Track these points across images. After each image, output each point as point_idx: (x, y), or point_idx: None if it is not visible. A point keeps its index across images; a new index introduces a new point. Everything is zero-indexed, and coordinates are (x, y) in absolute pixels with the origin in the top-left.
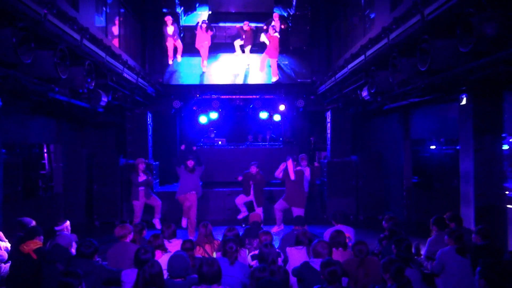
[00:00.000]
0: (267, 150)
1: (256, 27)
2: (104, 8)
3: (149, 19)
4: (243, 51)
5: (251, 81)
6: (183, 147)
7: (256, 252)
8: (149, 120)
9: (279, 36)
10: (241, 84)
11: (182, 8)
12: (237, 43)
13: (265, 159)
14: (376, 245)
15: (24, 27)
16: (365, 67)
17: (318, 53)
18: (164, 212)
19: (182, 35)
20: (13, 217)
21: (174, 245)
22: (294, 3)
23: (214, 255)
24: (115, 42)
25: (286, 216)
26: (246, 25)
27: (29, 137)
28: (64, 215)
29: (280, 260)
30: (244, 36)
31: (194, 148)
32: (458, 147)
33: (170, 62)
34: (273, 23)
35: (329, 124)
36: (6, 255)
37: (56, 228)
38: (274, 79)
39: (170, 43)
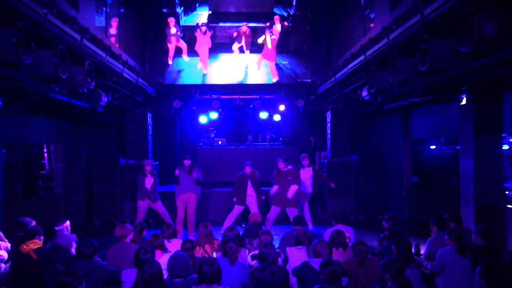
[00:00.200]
0: (267, 150)
1: (253, 27)
2: (104, 8)
3: (149, 19)
4: (243, 52)
5: (251, 81)
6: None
7: (256, 252)
8: (149, 120)
9: (275, 38)
10: (241, 84)
11: (182, 8)
12: (235, 46)
13: (265, 159)
14: (376, 245)
15: (24, 27)
16: (365, 67)
17: (318, 53)
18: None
19: (182, 35)
20: (13, 217)
21: (174, 245)
22: (294, 3)
23: (214, 255)
24: (115, 42)
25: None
26: (244, 26)
27: (29, 137)
28: (64, 215)
29: (280, 260)
30: (243, 38)
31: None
32: (458, 147)
33: (170, 62)
34: (276, 25)
35: (329, 124)
36: (6, 255)
37: (56, 228)
38: (275, 79)
39: (172, 44)
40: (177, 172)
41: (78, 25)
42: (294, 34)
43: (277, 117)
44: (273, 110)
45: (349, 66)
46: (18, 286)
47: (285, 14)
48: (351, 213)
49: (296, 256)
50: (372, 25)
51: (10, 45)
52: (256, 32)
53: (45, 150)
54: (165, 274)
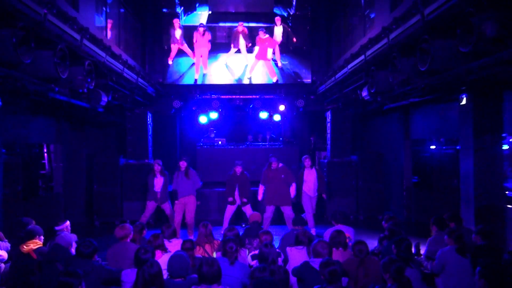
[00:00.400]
0: (267, 150)
1: (249, 27)
2: (104, 8)
3: (149, 19)
4: (240, 51)
5: (248, 81)
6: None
7: (256, 252)
8: (149, 120)
9: (269, 37)
10: (241, 84)
11: (182, 8)
12: (232, 51)
13: (265, 159)
14: (376, 245)
15: (24, 27)
16: (365, 67)
17: (318, 53)
18: (161, 214)
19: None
20: (13, 217)
21: (174, 245)
22: (294, 3)
23: (214, 255)
24: (115, 42)
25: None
26: (240, 26)
27: (29, 137)
28: (64, 215)
29: (280, 260)
30: (240, 37)
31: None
32: (458, 147)
33: (170, 62)
34: (278, 26)
35: (329, 124)
36: (6, 255)
37: (56, 228)
38: (274, 79)
39: (175, 46)
40: (174, 177)
41: (78, 25)
42: (294, 34)
43: (277, 117)
44: (273, 110)
45: (349, 66)
46: (18, 286)
47: (285, 14)
48: (351, 213)
49: (296, 256)
50: (372, 25)
51: (10, 45)
52: (251, 32)
53: (45, 150)
54: (165, 274)
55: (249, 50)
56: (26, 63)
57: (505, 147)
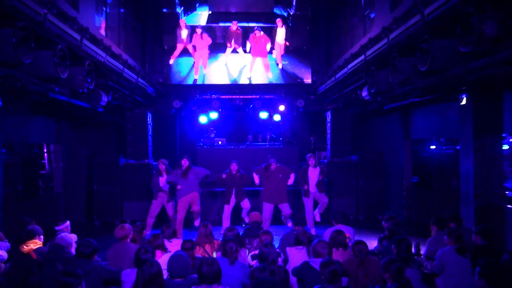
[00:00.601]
0: (267, 150)
1: (244, 27)
2: (104, 8)
3: (149, 19)
4: (236, 52)
5: (246, 81)
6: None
7: (256, 252)
8: (149, 120)
9: (264, 35)
10: (241, 84)
11: (182, 8)
12: (228, 50)
13: (265, 159)
14: (376, 245)
15: (24, 27)
16: (365, 67)
17: (318, 53)
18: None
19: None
20: (13, 217)
21: (174, 245)
22: (294, 3)
23: (214, 255)
24: (115, 41)
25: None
26: (234, 25)
27: (29, 137)
28: (64, 215)
29: (280, 260)
30: (233, 37)
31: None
32: (458, 147)
33: (171, 61)
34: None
35: (329, 124)
36: (6, 255)
37: (56, 228)
38: (270, 75)
39: (180, 45)
40: (173, 176)
41: (78, 25)
42: (294, 34)
43: (277, 117)
44: (273, 110)
45: (349, 66)
46: (18, 286)
47: (285, 14)
48: (351, 213)
49: (296, 256)
50: (372, 25)
51: (10, 45)
52: (245, 32)
53: (45, 150)
54: (165, 274)
55: (246, 50)
56: (26, 63)
57: (505, 147)
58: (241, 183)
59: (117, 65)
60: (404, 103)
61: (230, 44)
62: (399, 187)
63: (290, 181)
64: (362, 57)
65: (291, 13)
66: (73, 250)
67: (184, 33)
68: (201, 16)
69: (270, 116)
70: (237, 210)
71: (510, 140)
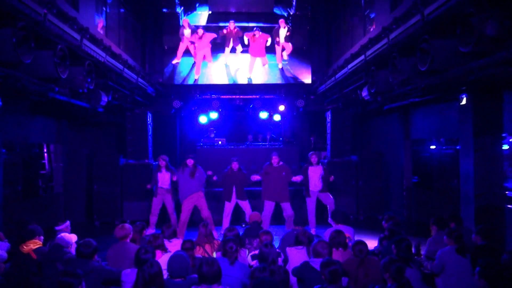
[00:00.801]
0: (267, 150)
1: (240, 27)
2: (104, 8)
3: (149, 19)
4: (235, 51)
5: (244, 81)
6: (210, 172)
7: (256, 252)
8: (149, 120)
9: (263, 34)
10: (241, 84)
11: (182, 8)
12: (227, 50)
13: (265, 159)
14: (376, 245)
15: (24, 27)
16: (365, 67)
17: (318, 53)
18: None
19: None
20: (13, 217)
21: (174, 245)
22: (294, 3)
23: (214, 255)
24: (115, 41)
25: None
26: (232, 24)
27: (29, 137)
28: (64, 215)
29: (280, 260)
30: (231, 36)
31: (210, 173)
32: (458, 147)
33: (175, 61)
34: (284, 27)
35: (329, 124)
36: (6, 255)
37: (56, 228)
38: (266, 65)
39: (183, 45)
40: (179, 175)
41: (78, 25)
42: (294, 34)
43: (277, 117)
44: (273, 110)
45: (349, 66)
46: (18, 286)
47: (285, 14)
48: (351, 213)
49: (296, 256)
50: (372, 25)
51: (10, 45)
52: (243, 31)
53: (45, 150)
54: (165, 274)
55: (245, 50)
56: (26, 63)
57: (505, 147)
58: (242, 180)
59: (117, 65)
60: (404, 103)
61: (228, 44)
62: (399, 187)
63: (297, 178)
64: (362, 57)
65: (291, 13)
66: (73, 250)
67: (187, 32)
68: (201, 16)
69: (270, 116)
70: (237, 210)
71: (510, 140)
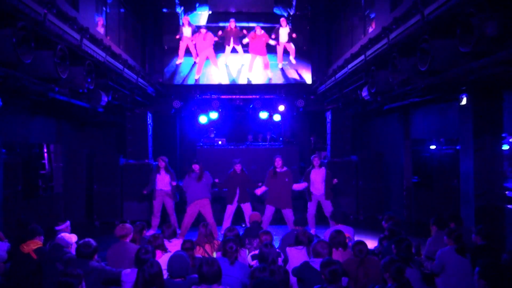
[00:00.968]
0: (267, 150)
1: (243, 27)
2: (104, 8)
3: (149, 19)
4: (236, 51)
5: (244, 81)
6: (217, 180)
7: (256, 252)
8: (149, 120)
9: (264, 33)
10: (241, 84)
11: (182, 8)
12: (228, 50)
13: (265, 159)
14: (376, 245)
15: (24, 27)
16: (365, 67)
17: (318, 53)
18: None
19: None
20: (13, 217)
21: (174, 245)
22: (294, 3)
23: (214, 255)
24: (115, 41)
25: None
26: (232, 23)
27: (29, 137)
28: (64, 215)
29: (280, 260)
30: (231, 36)
31: (217, 180)
32: (458, 147)
33: (178, 62)
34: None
35: (329, 124)
36: (6, 255)
37: (56, 228)
38: (270, 73)
39: (183, 44)
40: (186, 180)
41: (78, 25)
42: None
43: (277, 117)
44: (273, 110)
45: (349, 66)
46: (18, 286)
47: (285, 14)
48: (351, 213)
49: (296, 256)
50: (372, 25)
51: (10, 45)
52: (242, 30)
53: (45, 150)
54: (165, 274)
55: (246, 50)
56: (26, 63)
57: (505, 147)
58: (245, 182)
59: (117, 65)
60: (404, 103)
61: (229, 43)
62: (399, 187)
63: (299, 187)
64: (362, 57)
65: (291, 13)
66: (73, 250)
67: (187, 30)
68: (201, 16)
69: (270, 116)
70: (238, 210)
71: (510, 140)
